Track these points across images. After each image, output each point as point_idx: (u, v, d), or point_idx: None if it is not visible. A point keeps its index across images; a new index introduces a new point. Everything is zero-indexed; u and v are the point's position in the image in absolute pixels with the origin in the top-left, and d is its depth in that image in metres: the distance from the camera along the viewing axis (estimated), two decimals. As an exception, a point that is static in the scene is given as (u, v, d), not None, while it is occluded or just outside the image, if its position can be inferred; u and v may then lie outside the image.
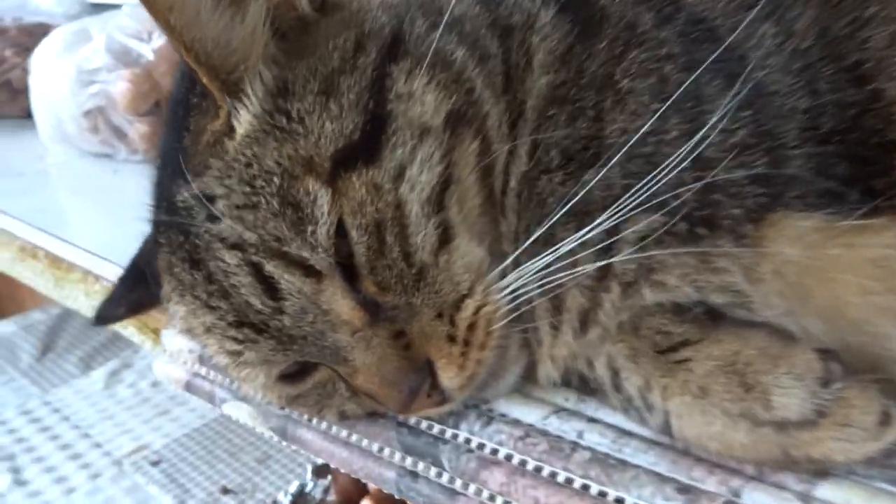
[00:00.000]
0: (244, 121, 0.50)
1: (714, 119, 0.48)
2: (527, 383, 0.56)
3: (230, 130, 0.50)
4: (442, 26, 0.51)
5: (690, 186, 0.48)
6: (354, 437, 0.59)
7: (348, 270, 0.49)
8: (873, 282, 0.46)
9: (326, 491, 1.09)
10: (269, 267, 0.48)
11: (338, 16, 0.53)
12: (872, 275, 0.46)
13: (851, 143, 0.48)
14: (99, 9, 1.65)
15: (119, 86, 1.18)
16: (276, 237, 0.48)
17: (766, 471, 0.47)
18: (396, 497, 0.57)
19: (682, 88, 0.47)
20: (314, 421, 0.62)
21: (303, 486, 1.09)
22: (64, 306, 1.23)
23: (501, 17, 0.55)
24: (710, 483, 0.47)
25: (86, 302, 0.98)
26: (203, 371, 0.72)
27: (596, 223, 0.47)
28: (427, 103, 0.50)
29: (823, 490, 0.45)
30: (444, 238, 0.49)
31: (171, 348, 0.75)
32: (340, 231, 0.48)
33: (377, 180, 0.47)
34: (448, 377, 0.50)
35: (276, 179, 0.48)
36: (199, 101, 0.54)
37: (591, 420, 0.54)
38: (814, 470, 0.46)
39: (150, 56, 1.19)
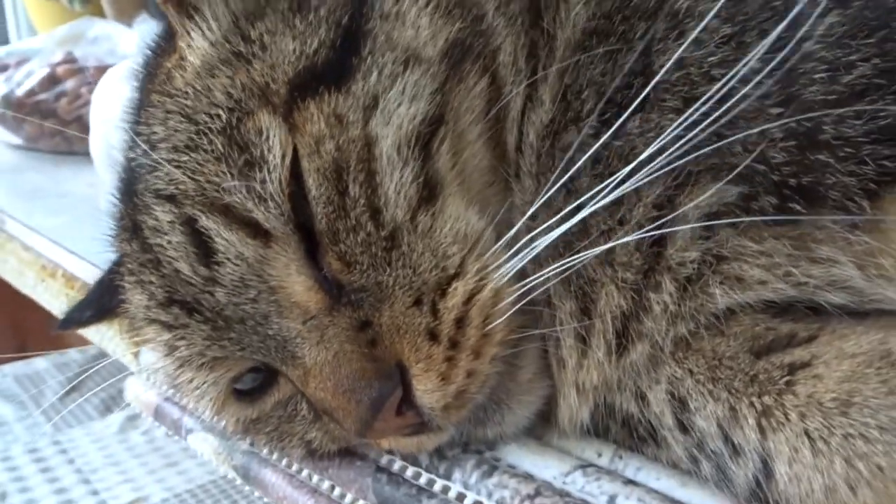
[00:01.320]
0: (199, 49, 0.41)
1: (817, 46, 0.34)
2: (547, 426, 0.41)
3: (182, 62, 0.41)
4: None
5: (781, 143, 0.34)
6: (325, 484, 0.46)
7: (308, 237, 0.37)
8: None
9: None
10: (205, 221, 0.37)
11: None
12: None
13: None
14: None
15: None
16: (216, 185, 0.37)
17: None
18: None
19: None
20: (279, 460, 0.49)
21: None
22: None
23: None
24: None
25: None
26: (175, 395, 0.60)
27: (631, 179, 0.33)
28: (421, 27, 0.39)
29: None
30: (428, 194, 0.37)
31: (146, 366, 0.64)
32: (299, 181, 0.36)
33: (341, 110, 0.37)
34: (425, 389, 0.36)
35: (223, 114, 0.38)
36: (164, 43, 0.45)
37: (630, 482, 0.38)
38: None
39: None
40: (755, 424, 0.33)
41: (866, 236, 0.33)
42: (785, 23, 0.33)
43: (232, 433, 0.49)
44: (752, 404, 0.34)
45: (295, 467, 0.48)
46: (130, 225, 0.43)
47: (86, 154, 1.66)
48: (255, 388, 0.43)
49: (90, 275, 0.90)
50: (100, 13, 1.97)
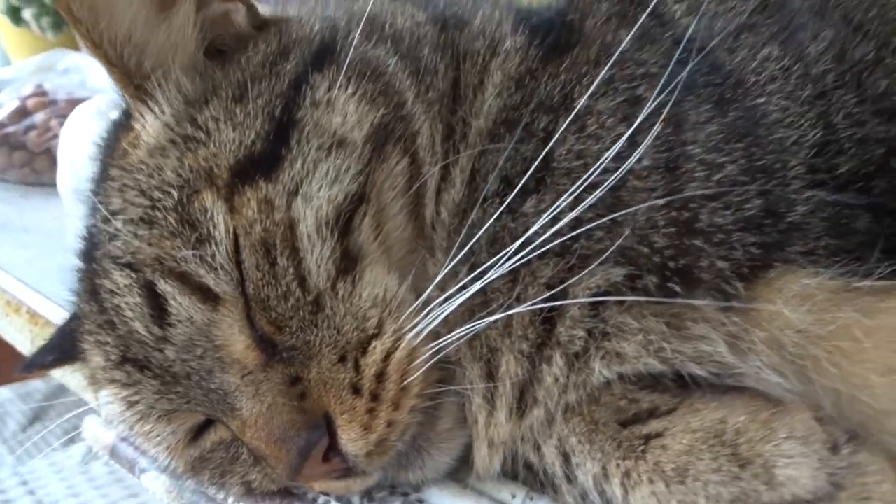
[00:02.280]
0: (152, 129, 0.45)
1: (697, 150, 0.39)
2: (467, 469, 0.46)
3: (136, 140, 0.45)
4: (375, 38, 0.46)
5: (664, 232, 0.39)
6: (265, 523, 0.49)
7: (247, 302, 0.41)
8: (899, 356, 0.35)
9: None
10: (163, 286, 0.41)
11: (273, 29, 0.48)
12: (898, 346, 0.36)
13: (876, 191, 0.38)
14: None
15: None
16: (171, 256, 0.41)
17: None
18: None
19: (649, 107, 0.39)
20: (230, 498, 0.52)
21: None
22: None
23: (461, 40, 0.49)
24: None
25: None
26: (130, 436, 0.63)
27: (518, 244, 0.38)
28: (348, 114, 0.43)
29: None
30: (347, 265, 0.41)
31: (104, 406, 0.67)
32: (239, 252, 0.41)
33: (270, 196, 0.41)
34: (349, 438, 0.40)
35: (174, 193, 0.42)
36: (124, 120, 0.49)
37: (538, 522, 0.42)
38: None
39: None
40: (619, 483, 0.38)
41: (738, 317, 0.38)
42: (658, 127, 0.38)
43: (181, 473, 0.52)
44: (618, 466, 0.38)
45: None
46: (90, 287, 0.46)
47: (53, 185, 1.68)
48: (197, 432, 0.47)
49: (53, 312, 0.93)
50: (73, 44, 1.99)
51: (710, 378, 0.39)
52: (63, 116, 1.62)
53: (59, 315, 0.93)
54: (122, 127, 0.49)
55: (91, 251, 0.47)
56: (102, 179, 0.49)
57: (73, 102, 1.68)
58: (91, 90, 1.93)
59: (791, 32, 0.41)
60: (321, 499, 0.48)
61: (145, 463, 0.62)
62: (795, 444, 0.36)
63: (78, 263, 0.51)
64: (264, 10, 0.51)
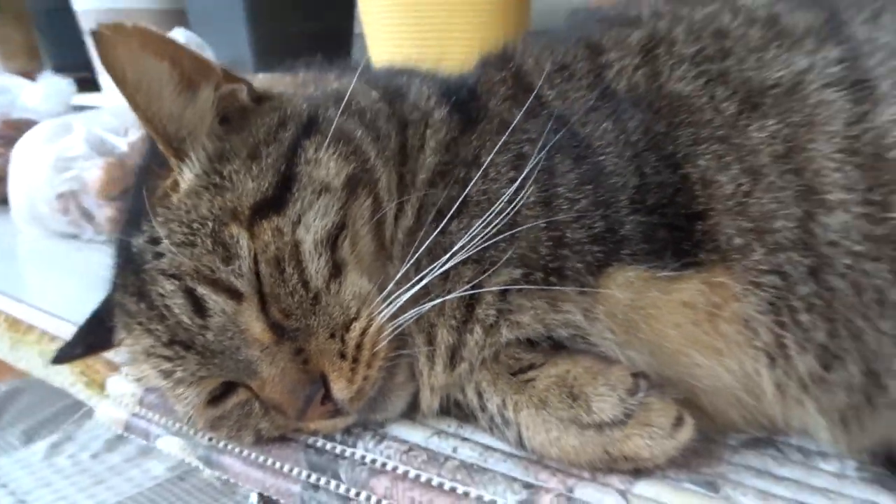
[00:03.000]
0: (187, 178, 0.62)
1: (563, 190, 0.61)
2: (416, 411, 0.66)
3: (176, 186, 0.62)
4: (346, 113, 0.65)
5: (545, 243, 0.60)
6: (269, 461, 0.68)
7: (263, 298, 0.60)
8: (683, 318, 0.58)
9: None
10: (201, 290, 0.59)
11: (268, 104, 0.67)
12: (682, 313, 0.58)
13: (668, 215, 0.61)
14: (82, 109, 1.81)
15: (93, 172, 1.30)
16: (209, 268, 0.59)
17: (597, 475, 0.57)
18: (300, 505, 0.65)
19: (537, 160, 0.60)
20: (234, 448, 0.70)
21: None
22: (16, 380, 1.29)
23: (402, 112, 0.69)
24: (552, 483, 0.57)
25: (39, 361, 1.05)
26: (141, 412, 0.80)
27: (448, 256, 0.59)
28: (330, 168, 0.62)
29: (640, 487, 0.56)
30: (335, 272, 0.60)
31: (114, 393, 0.84)
32: (258, 266, 0.59)
33: (280, 226, 0.59)
34: (339, 388, 0.60)
35: (209, 223, 0.59)
36: (158, 167, 0.66)
37: (465, 439, 0.63)
38: (632, 470, 0.56)
39: (125, 148, 1.32)
40: (511, 409, 0.59)
41: (589, 297, 0.59)
42: (527, 169, 0.59)
43: (201, 429, 0.70)
44: (510, 398, 0.59)
45: (245, 452, 0.70)
46: (137, 292, 0.63)
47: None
48: (220, 395, 0.65)
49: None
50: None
51: (571, 341, 0.60)
52: (4, 137, 1.72)
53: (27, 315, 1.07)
54: (157, 173, 0.64)
55: (137, 267, 0.62)
56: (142, 214, 0.64)
57: (12, 124, 1.78)
58: (21, 109, 2.02)
59: (618, 114, 0.63)
60: (311, 439, 0.67)
61: (158, 430, 0.79)
62: (606, 388, 0.56)
63: (120, 277, 0.67)
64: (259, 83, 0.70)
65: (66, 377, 0.99)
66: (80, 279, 1.16)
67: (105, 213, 1.34)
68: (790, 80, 0.58)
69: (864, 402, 0.56)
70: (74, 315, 0.92)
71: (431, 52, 1.45)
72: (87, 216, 1.36)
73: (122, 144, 1.33)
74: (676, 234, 0.60)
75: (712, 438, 0.62)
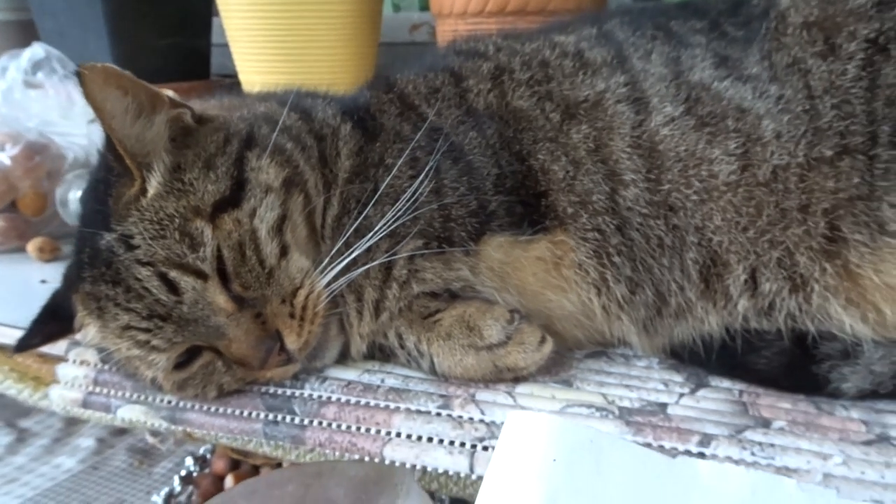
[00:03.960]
0: (153, 185, 0.76)
1: (447, 181, 0.84)
2: (347, 358, 0.86)
3: (144, 192, 0.77)
4: (278, 131, 0.83)
5: (437, 220, 0.82)
6: (230, 410, 0.85)
7: (224, 276, 0.76)
8: (538, 268, 0.83)
9: (191, 496, 1.26)
10: (173, 273, 0.74)
11: (210, 125, 0.83)
12: (537, 264, 0.83)
13: (522, 195, 0.84)
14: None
15: (-23, 187, 1.35)
16: (177, 255, 0.74)
17: (490, 385, 0.80)
18: (265, 439, 0.82)
19: (432, 163, 0.82)
20: (195, 405, 0.86)
21: (171, 491, 1.24)
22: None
23: (317, 129, 0.89)
24: (459, 391, 0.79)
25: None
26: (97, 389, 0.93)
27: (371, 234, 0.79)
28: (270, 173, 0.80)
29: (520, 388, 0.80)
30: (283, 252, 0.78)
31: (65, 378, 0.96)
32: (219, 251, 0.75)
33: (240, 218, 0.76)
34: (291, 341, 0.78)
35: (176, 220, 0.75)
36: (117, 179, 0.79)
37: (389, 372, 0.84)
38: (513, 378, 0.80)
39: (8, 162, 1.38)
40: (426, 344, 0.79)
41: (473, 257, 0.82)
42: (422, 175, 0.81)
43: (168, 391, 0.85)
44: (423, 336, 0.79)
45: (206, 406, 0.86)
46: (112, 279, 0.76)
47: None
48: (185, 360, 0.80)
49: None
50: None
51: (463, 291, 0.82)
52: None
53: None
54: (118, 183, 0.77)
55: (109, 259, 0.75)
56: (104, 217, 0.78)
57: None
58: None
59: (480, 125, 0.86)
60: (266, 388, 0.85)
61: (116, 402, 0.92)
62: (492, 320, 0.78)
63: (86, 272, 0.79)
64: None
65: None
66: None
67: (-8, 225, 1.39)
68: (594, 97, 0.84)
69: (656, 314, 0.83)
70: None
71: (294, 65, 1.63)
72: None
73: (5, 159, 1.38)
74: (529, 208, 0.84)
75: (565, 352, 0.88)
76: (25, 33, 1.99)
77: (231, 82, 1.88)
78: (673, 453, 0.68)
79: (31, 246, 1.34)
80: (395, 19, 2.10)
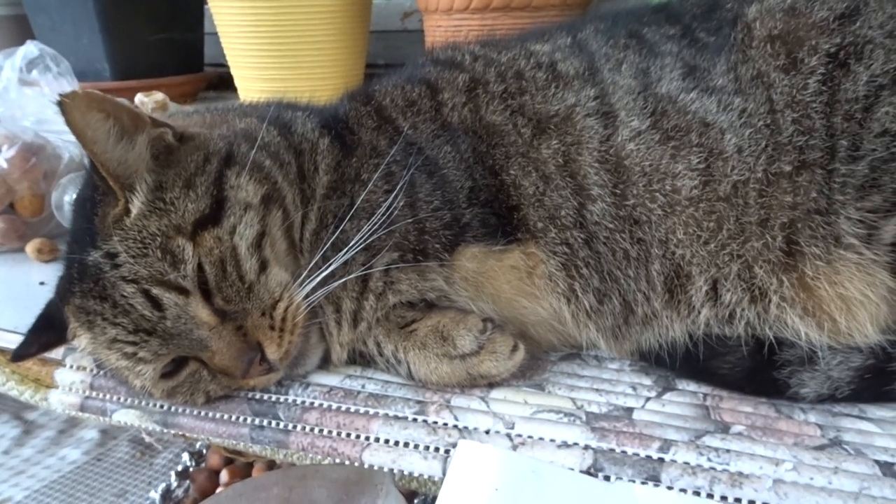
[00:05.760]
0: (136, 205, 0.79)
1: (422, 195, 0.86)
2: (329, 364, 0.90)
3: (128, 212, 0.79)
4: (256, 148, 0.85)
5: (412, 234, 0.85)
6: (218, 414, 0.89)
7: (206, 291, 0.79)
8: (512, 277, 0.86)
9: (187, 490, 1.32)
10: (156, 290, 0.77)
11: (191, 144, 0.85)
12: (511, 273, 0.86)
13: (495, 207, 0.87)
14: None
15: (-26, 190, 1.38)
16: (160, 272, 0.77)
17: (464, 390, 0.84)
18: (251, 443, 0.87)
19: (406, 177, 0.85)
20: (186, 410, 0.90)
21: (168, 486, 1.31)
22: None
23: (296, 143, 0.91)
24: (435, 398, 0.83)
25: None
26: (93, 394, 0.97)
27: (347, 249, 0.82)
28: (249, 191, 0.82)
29: (494, 393, 0.83)
30: (262, 267, 0.81)
31: (63, 383, 1.00)
32: (200, 267, 0.78)
33: (220, 235, 0.78)
34: (271, 351, 0.81)
35: (158, 238, 0.77)
36: (102, 198, 0.82)
37: (370, 378, 0.88)
38: (487, 384, 0.84)
39: (4, 165, 1.41)
40: (402, 352, 0.83)
41: (447, 268, 0.85)
42: (396, 192, 0.84)
43: (158, 398, 0.89)
44: (400, 344, 0.83)
45: (196, 411, 0.90)
46: (99, 295, 0.79)
47: None
48: (173, 370, 0.84)
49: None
50: None
51: (438, 301, 0.86)
52: None
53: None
54: (102, 203, 0.79)
55: (96, 276, 0.77)
56: (90, 235, 0.81)
57: None
58: None
59: (454, 140, 0.88)
60: (251, 394, 0.89)
61: (112, 406, 0.97)
62: (465, 330, 0.81)
63: (75, 286, 0.82)
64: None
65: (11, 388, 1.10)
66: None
67: (-11, 227, 1.42)
68: (564, 112, 0.87)
69: (624, 322, 0.86)
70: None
71: (284, 58, 1.65)
72: (-28, 231, 1.43)
73: (2, 161, 1.41)
74: (502, 220, 0.87)
75: (539, 356, 0.91)
76: (18, 28, 2.01)
77: (224, 72, 1.90)
78: (610, 479, 0.71)
79: (30, 247, 1.37)
80: (386, 7, 2.10)
